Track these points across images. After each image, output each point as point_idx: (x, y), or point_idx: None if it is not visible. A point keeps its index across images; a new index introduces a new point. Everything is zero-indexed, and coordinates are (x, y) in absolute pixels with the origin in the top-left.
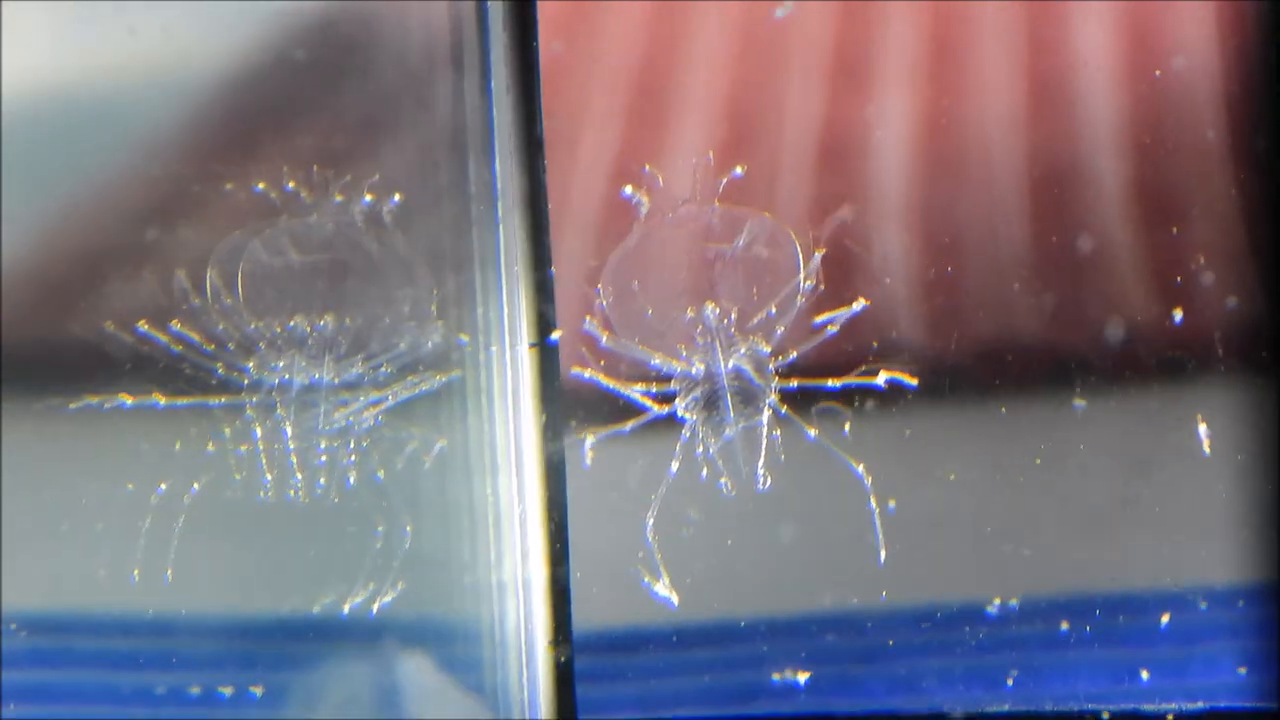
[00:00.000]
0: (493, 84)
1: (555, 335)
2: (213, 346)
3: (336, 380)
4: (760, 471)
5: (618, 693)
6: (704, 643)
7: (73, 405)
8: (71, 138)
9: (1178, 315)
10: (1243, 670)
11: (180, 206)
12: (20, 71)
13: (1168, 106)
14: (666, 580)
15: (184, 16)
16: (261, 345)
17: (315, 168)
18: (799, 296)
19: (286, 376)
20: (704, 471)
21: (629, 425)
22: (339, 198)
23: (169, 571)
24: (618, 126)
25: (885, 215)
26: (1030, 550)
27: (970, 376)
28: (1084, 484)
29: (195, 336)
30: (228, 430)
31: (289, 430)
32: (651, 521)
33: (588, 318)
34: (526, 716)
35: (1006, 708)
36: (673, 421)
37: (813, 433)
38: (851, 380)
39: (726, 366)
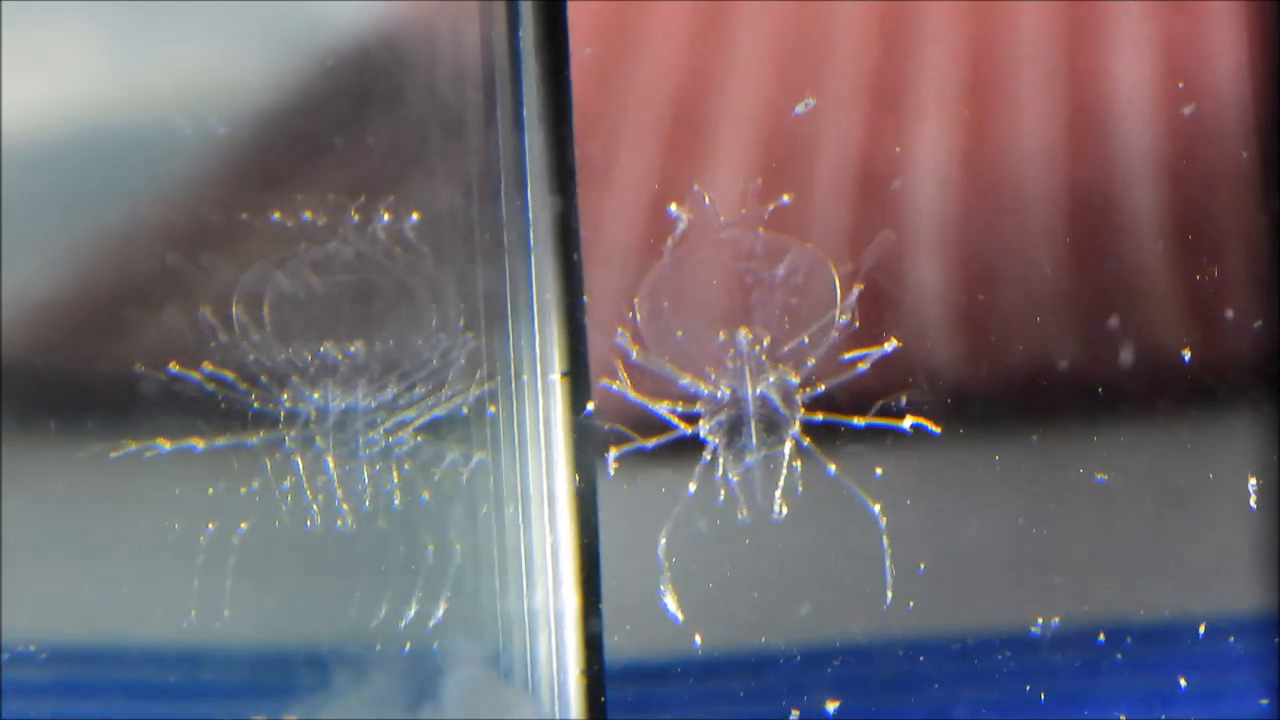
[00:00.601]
0: (525, 111)
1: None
2: (246, 385)
3: (373, 404)
4: (778, 500)
5: None
6: (736, 673)
7: (114, 454)
8: (104, 170)
9: (1212, 344)
10: (1265, 702)
11: (214, 239)
12: (54, 104)
13: (1203, 137)
14: (674, 599)
15: (217, 47)
16: (294, 377)
17: (330, 195)
18: (834, 330)
19: (322, 404)
20: (721, 495)
21: (652, 442)
22: (356, 216)
23: (226, 611)
24: (651, 154)
25: (920, 245)
26: (1061, 579)
27: (1003, 405)
28: (1116, 513)
29: (229, 374)
30: (268, 462)
31: (330, 461)
32: (664, 542)
33: (620, 329)
34: None
35: None
36: (699, 445)
37: (833, 468)
38: (876, 420)
39: (754, 393)
